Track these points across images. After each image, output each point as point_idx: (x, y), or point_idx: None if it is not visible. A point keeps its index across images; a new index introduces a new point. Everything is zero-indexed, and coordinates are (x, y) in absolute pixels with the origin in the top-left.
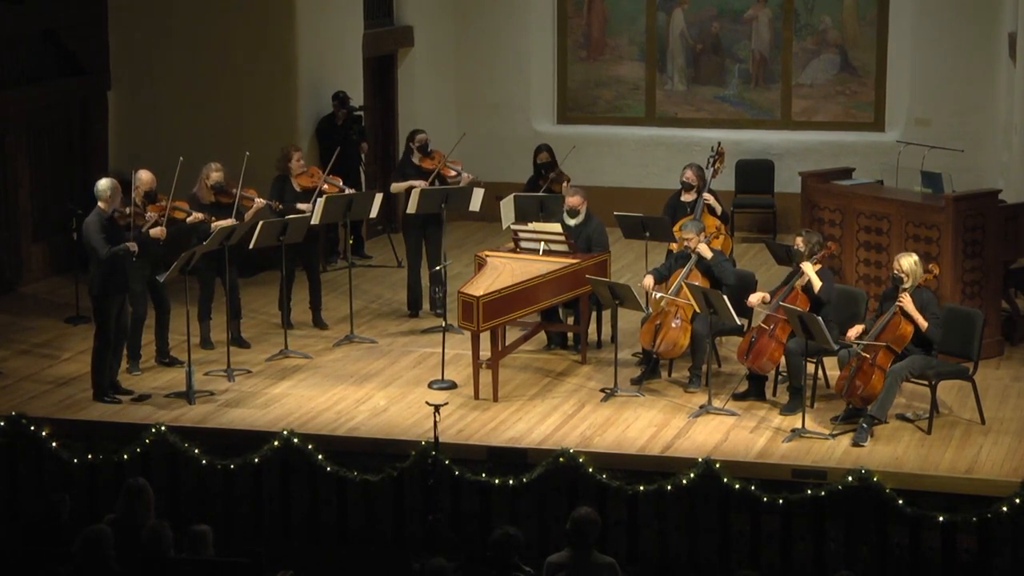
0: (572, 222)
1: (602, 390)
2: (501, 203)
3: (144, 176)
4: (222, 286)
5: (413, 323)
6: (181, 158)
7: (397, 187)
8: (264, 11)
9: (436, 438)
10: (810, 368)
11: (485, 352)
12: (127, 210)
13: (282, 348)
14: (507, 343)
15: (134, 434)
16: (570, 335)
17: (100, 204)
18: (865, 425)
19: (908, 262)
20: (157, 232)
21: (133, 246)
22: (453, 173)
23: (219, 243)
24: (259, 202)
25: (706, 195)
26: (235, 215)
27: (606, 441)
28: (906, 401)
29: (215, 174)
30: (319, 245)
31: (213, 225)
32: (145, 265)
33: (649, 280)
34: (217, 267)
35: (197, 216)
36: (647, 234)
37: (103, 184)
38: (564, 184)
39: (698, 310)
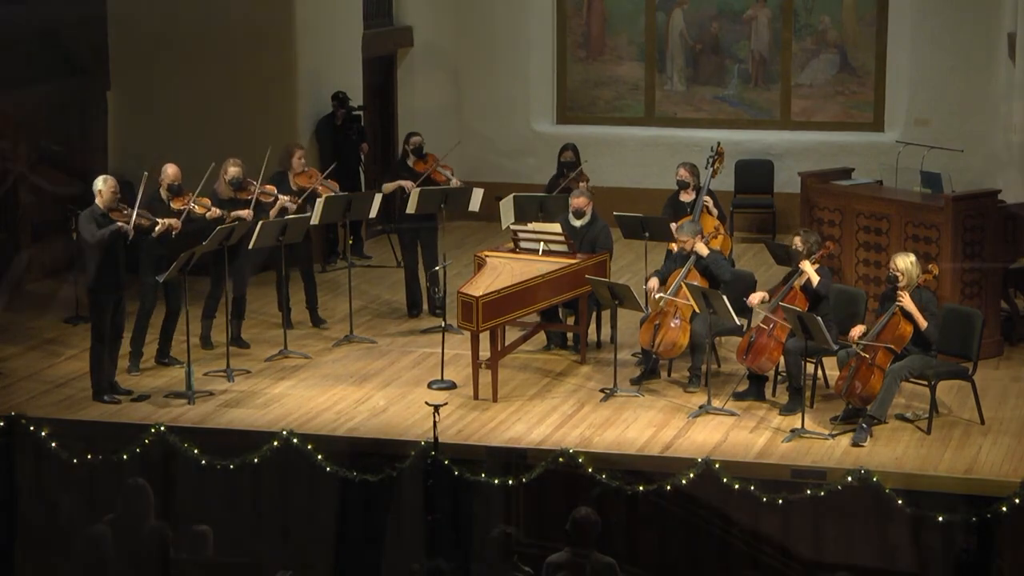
0: (578, 223)
1: (601, 390)
2: (500, 203)
3: (170, 170)
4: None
5: (413, 323)
6: (212, 164)
7: (388, 187)
8: (264, 11)
9: (436, 438)
10: (809, 368)
11: (484, 352)
12: (126, 211)
13: (282, 348)
14: (507, 343)
15: (133, 434)
16: (569, 335)
17: (96, 200)
18: (864, 425)
19: (904, 262)
20: (173, 223)
21: (124, 227)
22: (444, 178)
23: (218, 243)
24: (282, 199)
25: (705, 198)
26: (254, 211)
27: (606, 441)
28: (905, 401)
29: (233, 169)
30: (311, 244)
31: (232, 214)
32: (160, 258)
33: (654, 282)
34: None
35: (215, 212)
36: (647, 234)
37: (98, 180)
38: (581, 184)
39: (697, 310)
